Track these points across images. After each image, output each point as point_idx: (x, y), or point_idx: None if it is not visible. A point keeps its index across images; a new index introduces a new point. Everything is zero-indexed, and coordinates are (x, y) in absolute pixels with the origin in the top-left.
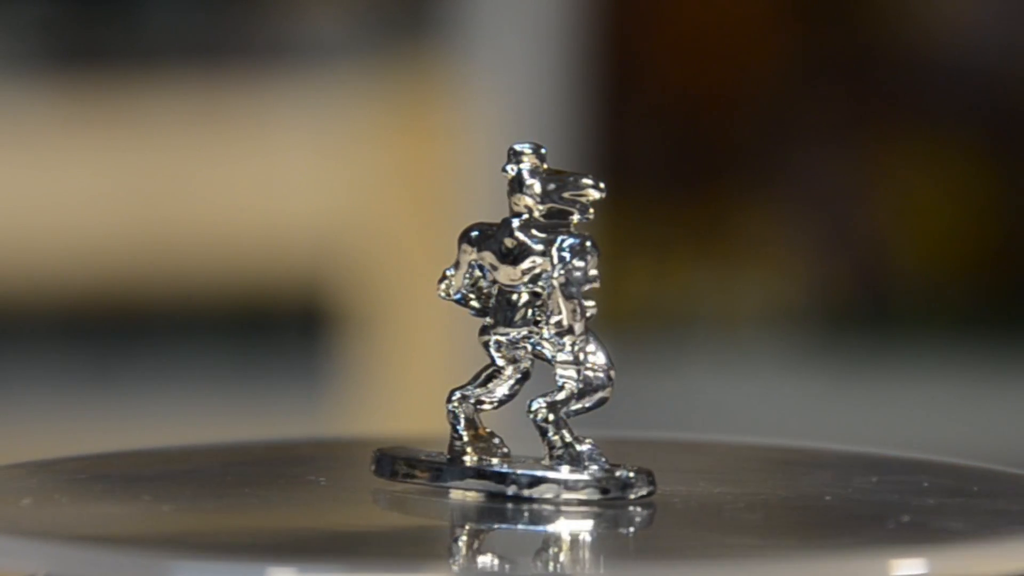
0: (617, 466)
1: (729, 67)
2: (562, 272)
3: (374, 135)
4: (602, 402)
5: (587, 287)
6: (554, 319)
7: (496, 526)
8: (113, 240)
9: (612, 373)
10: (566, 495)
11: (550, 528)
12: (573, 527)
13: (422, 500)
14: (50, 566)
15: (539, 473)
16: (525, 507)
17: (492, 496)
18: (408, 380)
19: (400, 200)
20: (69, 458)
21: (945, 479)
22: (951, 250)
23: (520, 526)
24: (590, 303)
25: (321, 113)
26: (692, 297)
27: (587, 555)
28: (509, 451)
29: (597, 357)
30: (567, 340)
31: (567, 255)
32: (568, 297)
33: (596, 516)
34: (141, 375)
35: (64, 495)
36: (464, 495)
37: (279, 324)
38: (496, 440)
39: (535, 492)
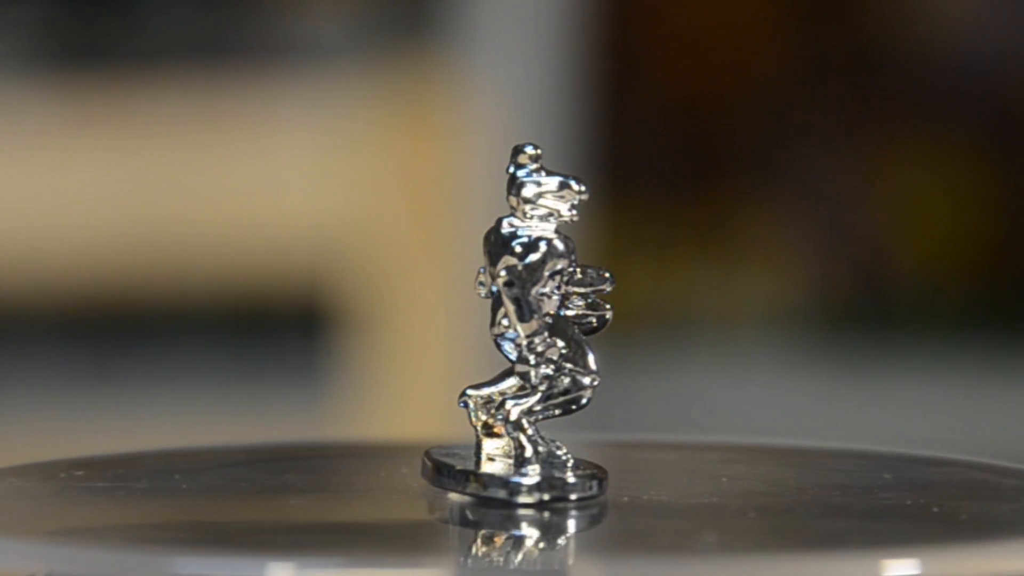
0: (583, 467)
1: (729, 67)
2: (504, 271)
3: (374, 135)
4: (576, 404)
5: (597, 288)
6: (502, 320)
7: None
8: (113, 240)
9: (594, 378)
10: (486, 494)
11: (492, 529)
12: (512, 528)
13: (410, 499)
14: (50, 566)
15: (470, 470)
16: (500, 510)
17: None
18: (408, 381)
19: (400, 200)
20: (68, 459)
21: (945, 477)
22: (951, 250)
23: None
24: (606, 306)
25: (321, 113)
26: (692, 297)
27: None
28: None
29: (583, 361)
30: (522, 341)
31: (520, 254)
32: (510, 297)
33: (545, 518)
34: (140, 375)
35: (64, 495)
36: (463, 495)
37: (279, 325)
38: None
39: (470, 491)
